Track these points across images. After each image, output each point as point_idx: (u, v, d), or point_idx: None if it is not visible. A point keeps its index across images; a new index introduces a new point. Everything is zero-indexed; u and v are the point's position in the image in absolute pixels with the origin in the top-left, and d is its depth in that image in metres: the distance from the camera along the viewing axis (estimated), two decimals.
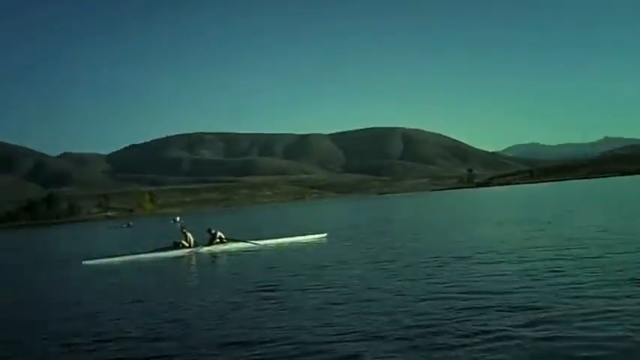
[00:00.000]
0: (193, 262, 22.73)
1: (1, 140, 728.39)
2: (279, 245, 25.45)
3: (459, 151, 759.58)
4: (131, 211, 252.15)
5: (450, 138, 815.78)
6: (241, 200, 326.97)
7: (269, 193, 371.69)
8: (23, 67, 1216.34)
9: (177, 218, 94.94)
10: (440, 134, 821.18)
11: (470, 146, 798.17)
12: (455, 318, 9.36)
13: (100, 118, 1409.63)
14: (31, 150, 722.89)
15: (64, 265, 25.04)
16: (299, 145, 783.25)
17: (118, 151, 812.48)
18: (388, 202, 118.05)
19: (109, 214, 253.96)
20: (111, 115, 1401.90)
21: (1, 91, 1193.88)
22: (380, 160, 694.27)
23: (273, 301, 12.14)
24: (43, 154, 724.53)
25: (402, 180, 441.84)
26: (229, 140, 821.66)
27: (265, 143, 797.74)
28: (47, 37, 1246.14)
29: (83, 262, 23.76)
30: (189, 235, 25.73)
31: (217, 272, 19.60)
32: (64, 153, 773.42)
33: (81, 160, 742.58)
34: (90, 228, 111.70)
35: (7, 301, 16.26)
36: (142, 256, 24.59)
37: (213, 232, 26.29)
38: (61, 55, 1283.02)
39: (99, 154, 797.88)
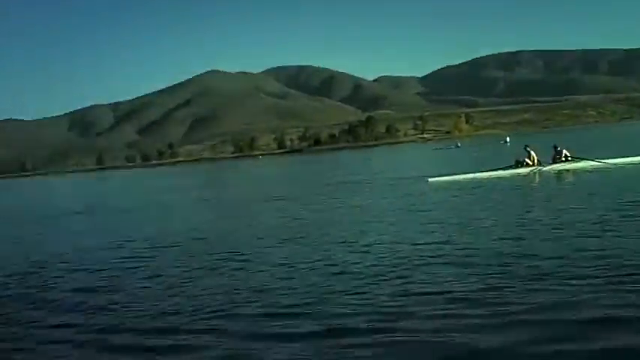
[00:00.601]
0: (536, 180, 23.00)
1: (323, 66, 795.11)
2: (630, 164, 24.04)
3: None
4: (448, 132, 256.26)
5: None
6: (562, 121, 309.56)
7: (593, 113, 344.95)
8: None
9: (507, 139, 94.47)
10: None
11: None
12: None
13: (415, 40, 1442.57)
14: (350, 75, 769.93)
15: (412, 183, 26.53)
16: (627, 61, 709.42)
17: (431, 73, 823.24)
18: None
19: (425, 135, 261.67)
20: (425, 36, 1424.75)
21: (318, 20, 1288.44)
22: None
23: (629, 222, 11.42)
24: (360, 78, 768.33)
25: None
26: (549, 58, 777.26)
27: (589, 60, 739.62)
28: None
29: (428, 180, 25.14)
30: (532, 153, 25.86)
31: (563, 191, 19.53)
32: (380, 76, 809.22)
33: (396, 82, 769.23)
34: (411, 149, 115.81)
35: (374, 210, 18.44)
36: (484, 174, 25.29)
37: (558, 148, 25.99)
38: None
39: (413, 77, 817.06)
